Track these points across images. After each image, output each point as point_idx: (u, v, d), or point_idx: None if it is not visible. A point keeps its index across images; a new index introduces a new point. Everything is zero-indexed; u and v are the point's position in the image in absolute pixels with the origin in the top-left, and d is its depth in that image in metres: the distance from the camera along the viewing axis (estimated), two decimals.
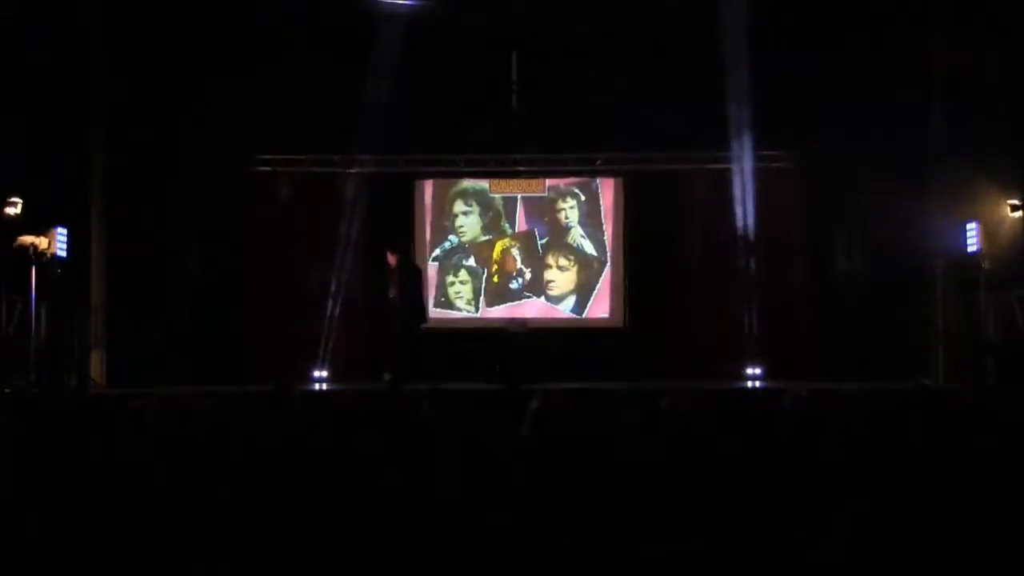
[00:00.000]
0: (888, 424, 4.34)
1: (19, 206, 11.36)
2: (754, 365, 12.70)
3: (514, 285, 13.73)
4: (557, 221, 13.80)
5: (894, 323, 12.34)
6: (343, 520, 3.29)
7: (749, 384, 12.35)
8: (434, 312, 13.64)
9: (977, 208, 11.80)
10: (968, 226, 11.61)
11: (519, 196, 13.83)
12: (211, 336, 12.87)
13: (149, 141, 12.59)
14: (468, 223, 13.81)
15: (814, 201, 12.94)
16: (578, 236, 13.77)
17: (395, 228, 13.46)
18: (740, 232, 13.02)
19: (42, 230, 11.31)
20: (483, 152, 13.54)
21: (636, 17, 12.31)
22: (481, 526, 3.09)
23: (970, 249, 11.58)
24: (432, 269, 13.74)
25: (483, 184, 13.85)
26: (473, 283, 13.76)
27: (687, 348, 13.06)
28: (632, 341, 13.26)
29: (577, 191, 13.80)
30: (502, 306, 13.69)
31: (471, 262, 13.79)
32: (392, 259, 11.87)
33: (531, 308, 13.64)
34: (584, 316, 13.69)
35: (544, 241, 13.77)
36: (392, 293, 11.67)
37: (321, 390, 11.99)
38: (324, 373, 12.85)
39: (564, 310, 13.71)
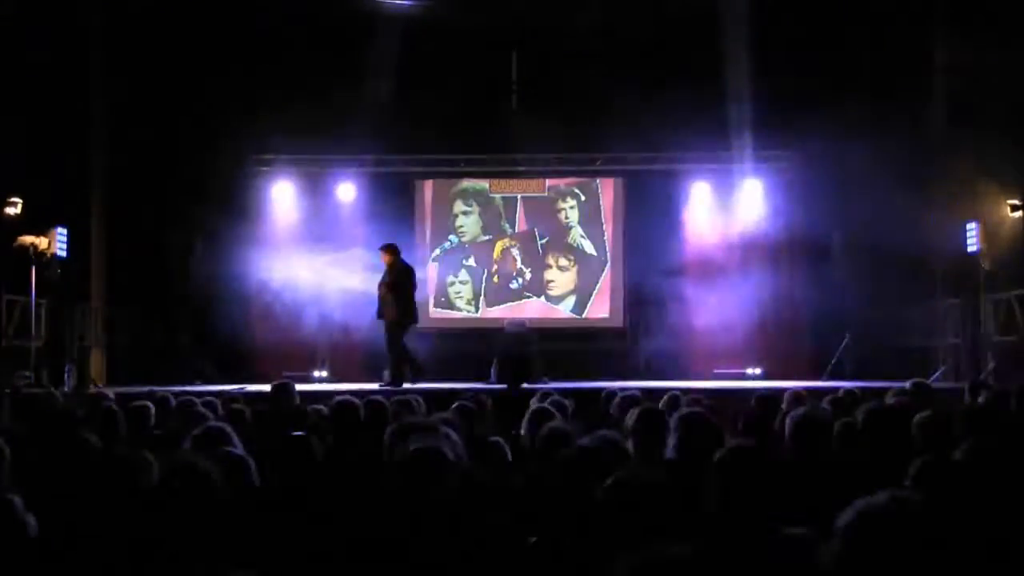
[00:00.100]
0: (888, 424, 4.34)
1: (19, 206, 11.36)
2: (754, 365, 12.69)
3: (514, 285, 13.73)
4: (557, 221, 13.80)
5: (894, 323, 12.34)
6: (343, 520, 3.30)
7: (749, 384, 12.34)
8: (434, 312, 13.66)
9: (977, 208, 11.79)
10: (968, 226, 11.61)
11: (519, 196, 13.83)
12: (212, 336, 12.86)
13: (149, 141, 12.59)
14: (468, 223, 13.81)
15: (814, 201, 12.94)
16: (578, 236, 13.77)
17: (395, 228, 13.46)
18: (740, 232, 13.02)
19: (42, 230, 11.31)
20: (483, 152, 13.54)
21: (636, 17, 12.32)
22: (481, 526, 3.09)
23: (970, 249, 11.57)
24: (432, 269, 13.73)
25: (483, 184, 13.85)
26: (473, 283, 13.76)
27: (687, 348, 13.07)
28: (632, 341, 13.27)
29: (577, 191, 13.80)
30: (502, 306, 13.69)
31: (471, 262, 13.78)
32: (386, 258, 11.97)
33: (531, 308, 13.63)
34: (584, 316, 13.69)
35: (544, 241, 13.77)
36: (382, 291, 11.76)
37: (321, 390, 11.98)
38: (324, 373, 12.85)
39: (564, 310, 13.71)
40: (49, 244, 11.29)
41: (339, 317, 12.96)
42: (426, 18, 12.37)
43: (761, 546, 2.78)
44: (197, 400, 6.24)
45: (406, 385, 10.49)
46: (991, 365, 11.32)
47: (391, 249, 11.66)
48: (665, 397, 6.58)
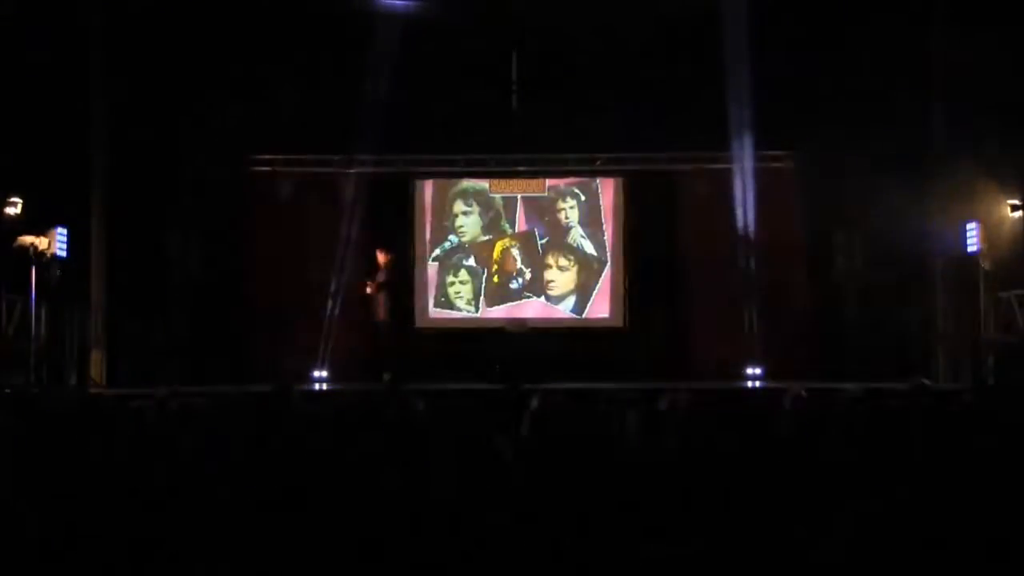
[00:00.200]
0: (888, 424, 4.34)
1: (19, 206, 11.36)
2: (754, 365, 12.69)
3: (514, 285, 13.73)
4: (557, 221, 13.80)
5: (894, 323, 12.34)
6: (343, 520, 3.29)
7: (749, 384, 12.34)
8: (434, 312, 13.67)
9: (977, 208, 11.80)
10: (968, 226, 11.61)
11: (519, 196, 13.82)
12: (211, 336, 12.86)
13: (149, 141, 12.58)
14: (468, 223, 13.80)
15: (814, 201, 12.94)
16: (578, 236, 13.76)
17: (395, 228, 13.48)
18: (740, 232, 13.02)
19: (42, 230, 11.32)
20: (483, 152, 13.53)
21: (636, 17, 12.31)
22: (481, 526, 3.09)
23: (970, 249, 11.58)
24: (432, 269, 13.74)
25: (483, 184, 13.85)
26: (473, 283, 13.76)
27: (687, 348, 13.07)
28: (632, 341, 13.26)
29: (577, 191, 13.80)
30: (502, 306, 13.69)
31: (471, 262, 13.78)
32: (384, 258, 12.10)
33: (531, 308, 13.63)
34: (584, 316, 13.69)
35: (544, 241, 13.77)
36: (371, 290, 11.88)
37: (321, 390, 11.99)
38: (324, 373, 12.85)
39: (564, 310, 13.71)
40: (49, 244, 11.29)
41: (339, 317, 12.96)
42: (426, 18, 12.36)
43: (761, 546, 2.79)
44: (196, 400, 6.23)
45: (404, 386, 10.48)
46: (991, 365, 11.33)
47: (389, 250, 11.75)
48: (665, 397, 6.57)
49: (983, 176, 11.75)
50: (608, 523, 2.83)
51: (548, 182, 13.83)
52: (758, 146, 12.86)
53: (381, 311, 12.59)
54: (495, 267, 13.75)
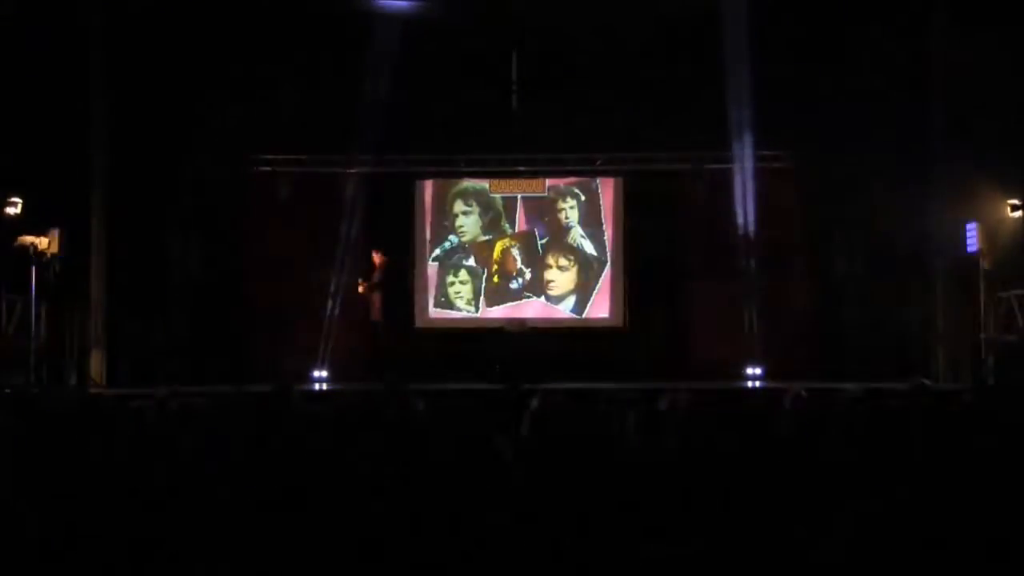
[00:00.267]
0: (888, 424, 4.34)
1: (19, 206, 11.37)
2: (754, 365, 12.69)
3: (514, 285, 13.72)
4: (557, 221, 13.80)
5: (894, 323, 12.34)
6: (343, 520, 3.29)
7: (749, 384, 12.34)
8: (434, 312, 13.67)
9: (977, 208, 11.80)
10: (968, 226, 11.61)
11: (519, 196, 13.83)
12: (211, 336, 12.86)
13: (149, 141, 12.58)
14: (468, 223, 13.80)
15: (814, 201, 12.94)
16: (578, 236, 13.76)
17: (395, 228, 13.48)
18: (740, 232, 13.02)
19: (42, 230, 11.32)
20: (483, 152, 13.53)
21: (636, 17, 12.31)
22: (481, 526, 3.09)
23: (970, 249, 11.58)
24: (432, 269, 13.74)
25: (483, 184, 13.85)
26: (473, 283, 13.76)
27: (687, 348, 13.07)
28: (632, 341, 13.26)
29: (577, 191, 13.80)
30: (502, 306, 13.69)
31: (471, 262, 13.78)
32: (377, 258, 12.16)
33: (531, 308, 13.63)
34: (584, 316, 13.68)
35: (544, 241, 13.77)
36: (362, 289, 11.91)
37: (321, 390, 12.00)
38: (324, 373, 12.85)
39: (564, 310, 13.71)
40: (49, 244, 11.29)
41: (339, 317, 12.96)
42: (426, 17, 12.36)
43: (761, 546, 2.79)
44: (196, 400, 6.23)
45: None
46: (991, 365, 11.33)
47: (384, 251, 11.82)
48: (665, 397, 6.57)
49: (983, 176, 11.75)
50: (608, 523, 2.83)
51: (548, 182, 13.83)
52: (758, 146, 12.86)
53: (376, 312, 12.66)
54: (495, 267, 13.75)
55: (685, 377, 11.76)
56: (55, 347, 11.70)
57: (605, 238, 13.72)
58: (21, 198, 11.36)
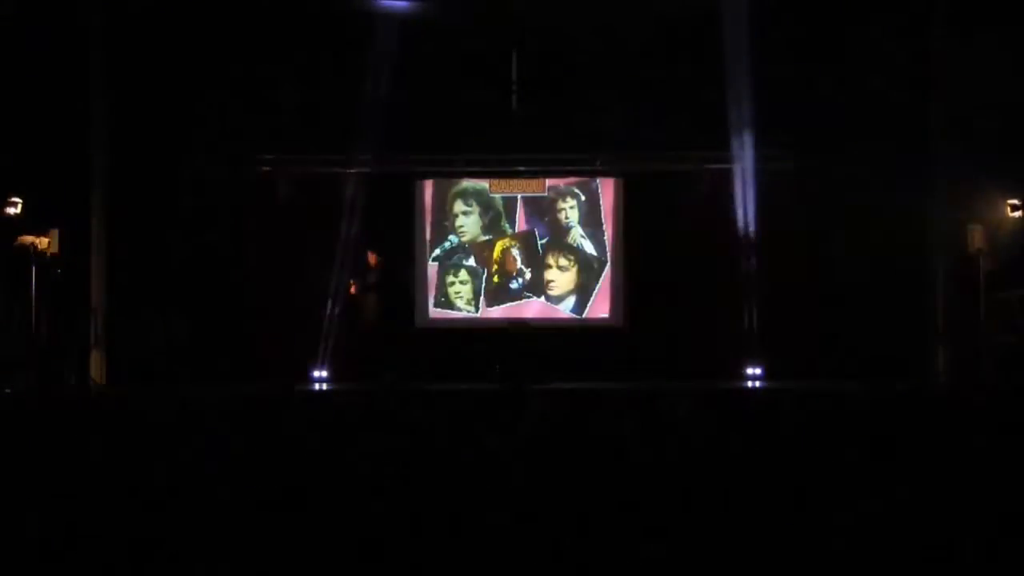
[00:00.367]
0: (888, 424, 4.35)
1: (19, 206, 11.37)
2: (754, 365, 12.69)
3: (514, 285, 13.72)
4: (557, 221, 13.80)
5: (894, 323, 12.34)
6: (343, 520, 3.29)
7: (749, 384, 12.34)
8: (434, 312, 13.67)
9: (977, 208, 11.80)
10: (968, 226, 11.62)
11: (519, 196, 13.82)
12: (211, 336, 12.86)
13: (149, 141, 12.59)
14: (468, 223, 13.80)
15: (814, 201, 12.94)
16: (578, 236, 13.76)
17: (395, 228, 13.48)
18: (740, 232, 13.02)
19: (42, 230, 11.32)
20: (483, 152, 13.53)
21: (636, 17, 12.31)
22: (481, 526, 3.09)
23: (970, 249, 11.58)
24: (432, 269, 13.74)
25: (483, 184, 13.84)
26: (473, 283, 13.76)
27: (687, 348, 13.05)
28: (632, 341, 13.25)
29: (577, 191, 13.80)
30: (502, 306, 13.69)
31: (471, 262, 13.78)
32: (372, 259, 12.17)
33: (531, 308, 13.63)
34: (584, 316, 13.68)
35: (544, 241, 13.77)
36: (354, 291, 11.95)
37: (321, 390, 12.00)
38: (324, 373, 12.86)
39: (564, 310, 13.71)
40: (49, 244, 11.30)
41: (339, 317, 12.96)
42: (426, 17, 12.36)
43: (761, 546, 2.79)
44: (197, 400, 6.24)
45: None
46: (991, 365, 11.33)
47: (380, 251, 11.87)
48: (666, 398, 6.58)
49: (983, 176, 11.75)
50: (608, 523, 2.83)
51: (548, 182, 13.83)
52: (758, 146, 12.86)
53: (367, 323, 12.71)
54: (495, 267, 13.75)
55: (685, 377, 11.76)
56: (55, 347, 11.70)
57: (605, 238, 13.72)
58: (21, 198, 11.36)
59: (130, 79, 12.51)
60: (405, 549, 3.02)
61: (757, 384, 12.34)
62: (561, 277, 13.71)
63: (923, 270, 12.44)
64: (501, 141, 13.36)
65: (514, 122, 13.32)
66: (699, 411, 4.57)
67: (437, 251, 13.78)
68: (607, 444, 3.70)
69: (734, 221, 13.03)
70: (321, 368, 12.88)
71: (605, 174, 13.76)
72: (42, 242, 11.19)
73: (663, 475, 3.35)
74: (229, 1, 12.53)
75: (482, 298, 13.71)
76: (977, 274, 11.58)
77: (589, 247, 13.74)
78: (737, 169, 13.08)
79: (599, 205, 13.78)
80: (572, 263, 13.72)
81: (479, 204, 13.83)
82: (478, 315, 13.67)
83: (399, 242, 13.46)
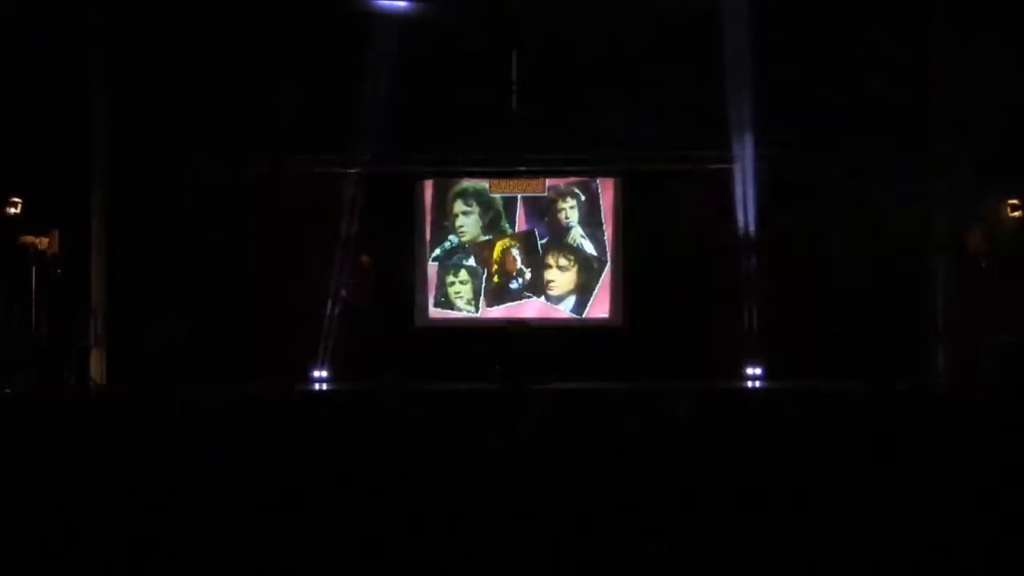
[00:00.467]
0: (888, 424, 4.35)
1: (19, 206, 11.37)
2: (754, 365, 12.69)
3: (514, 285, 13.73)
4: (557, 221, 13.80)
5: (894, 323, 12.34)
6: (343, 520, 3.29)
7: (749, 384, 12.34)
8: (434, 312, 13.67)
9: (977, 208, 11.81)
10: (968, 226, 11.63)
11: (519, 196, 13.82)
12: (211, 336, 12.86)
13: (149, 141, 12.59)
14: (468, 223, 13.80)
15: (814, 201, 12.93)
16: (578, 236, 13.76)
17: (395, 228, 13.48)
18: (740, 232, 13.02)
19: (42, 230, 11.33)
20: (483, 152, 13.53)
21: (636, 17, 12.32)
22: (481, 526, 3.09)
23: (970, 249, 11.59)
24: (432, 269, 13.74)
25: (483, 184, 13.84)
26: (473, 283, 13.76)
27: (687, 348, 13.05)
28: (632, 341, 13.26)
29: (577, 191, 13.80)
30: (502, 306, 13.69)
31: (471, 262, 13.78)
32: (364, 262, 12.24)
33: (531, 308, 13.63)
34: (584, 316, 13.68)
35: (544, 241, 13.77)
36: (346, 293, 12.17)
37: (321, 390, 12.00)
38: (324, 373, 12.86)
39: (564, 310, 13.71)
40: (49, 244, 11.30)
41: (339, 317, 12.97)
42: (426, 17, 12.37)
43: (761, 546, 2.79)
44: (197, 400, 6.24)
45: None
46: (991, 365, 11.33)
47: (371, 255, 11.94)
48: (666, 397, 6.58)
49: (983, 176, 11.76)
50: (608, 523, 2.83)
51: (548, 182, 13.83)
52: (758, 146, 12.86)
53: (366, 315, 12.74)
54: (495, 267, 13.76)
55: (685, 377, 11.76)
56: (55, 347, 11.70)
57: (605, 238, 13.72)
58: (21, 198, 11.36)
59: (130, 79, 12.52)
60: (405, 549, 3.02)
61: (757, 384, 12.34)
62: (561, 277, 13.71)
63: (923, 270, 12.44)
64: (501, 141, 13.36)
65: (514, 122, 13.32)
66: (699, 411, 4.57)
67: (437, 251, 13.79)
68: (607, 444, 3.70)
69: (734, 221, 13.03)
70: (321, 368, 12.88)
71: (605, 174, 13.76)
72: (42, 242, 11.20)
73: (663, 475, 3.35)
74: (229, 1, 12.53)
75: (482, 298, 13.72)
76: (977, 274, 11.58)
77: (589, 247, 13.74)
78: (737, 169, 13.08)
79: (599, 205, 13.78)
80: (572, 263, 13.72)
81: (479, 204, 13.84)
82: (478, 315, 13.68)
83: (399, 242, 13.46)
